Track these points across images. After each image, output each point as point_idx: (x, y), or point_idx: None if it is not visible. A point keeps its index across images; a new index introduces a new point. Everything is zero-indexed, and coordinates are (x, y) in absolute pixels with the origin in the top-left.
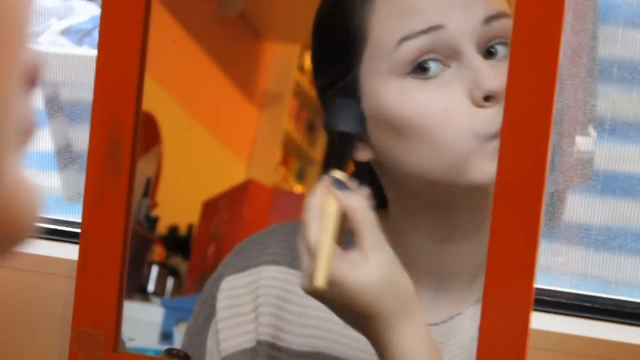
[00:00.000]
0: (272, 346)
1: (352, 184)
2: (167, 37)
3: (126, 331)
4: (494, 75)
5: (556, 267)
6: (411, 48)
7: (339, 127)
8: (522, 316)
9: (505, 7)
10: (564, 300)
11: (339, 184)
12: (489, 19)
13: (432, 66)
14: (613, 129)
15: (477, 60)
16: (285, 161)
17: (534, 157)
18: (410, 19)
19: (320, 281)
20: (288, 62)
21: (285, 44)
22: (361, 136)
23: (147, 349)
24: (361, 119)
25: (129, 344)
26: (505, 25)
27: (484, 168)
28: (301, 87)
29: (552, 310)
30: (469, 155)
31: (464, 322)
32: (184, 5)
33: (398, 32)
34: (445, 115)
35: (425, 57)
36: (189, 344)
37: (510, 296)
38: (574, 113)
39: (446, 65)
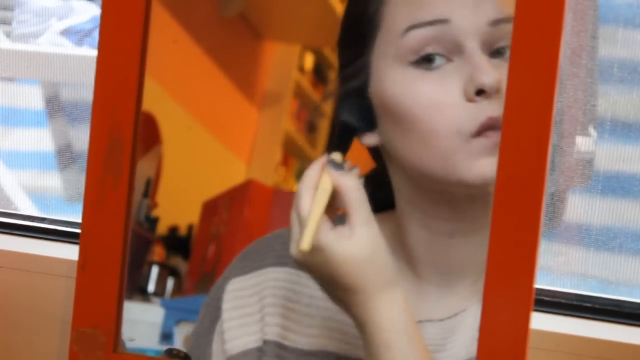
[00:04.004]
0: (280, 345)
1: (347, 165)
2: (167, 37)
3: (126, 331)
4: (491, 72)
5: (556, 267)
6: (417, 37)
7: (344, 118)
8: (522, 316)
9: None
10: (564, 300)
11: (335, 165)
12: (497, 22)
13: (437, 59)
14: (613, 129)
15: (477, 56)
16: (285, 161)
17: (534, 157)
18: (420, 10)
19: (305, 245)
20: (288, 62)
21: (285, 44)
22: (369, 126)
23: (147, 349)
24: (369, 109)
25: (129, 344)
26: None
27: (472, 167)
28: (301, 87)
29: (552, 310)
30: (453, 153)
31: (468, 318)
32: (184, 5)
33: (406, 20)
34: (434, 108)
35: (430, 49)
36: (194, 347)
37: (510, 296)
38: (574, 113)
39: (449, 60)
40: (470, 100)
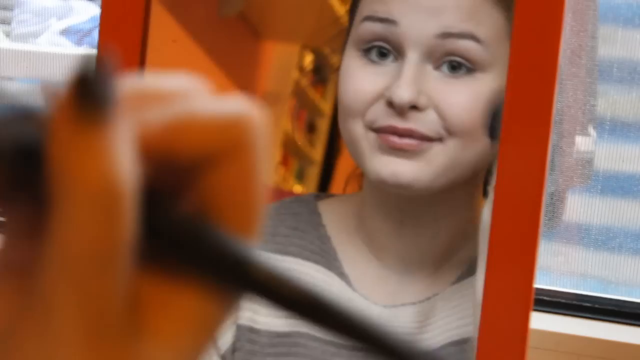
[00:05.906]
0: (251, 330)
1: None
2: (167, 37)
3: None
4: (409, 89)
5: (556, 267)
6: (368, 28)
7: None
8: (522, 316)
9: (475, 31)
10: (564, 300)
11: None
12: (446, 35)
13: (389, 55)
14: (612, 128)
15: (409, 67)
16: (285, 161)
17: (534, 157)
18: (378, 4)
19: None
20: (288, 62)
21: (285, 44)
22: None
23: None
24: None
25: None
26: (467, 46)
27: (372, 159)
28: (301, 87)
29: (552, 310)
30: (357, 141)
31: (442, 301)
32: (184, 5)
33: (366, 10)
34: (355, 93)
35: (379, 42)
36: None
37: (510, 296)
38: (574, 113)
39: (396, 59)
40: (386, 104)
